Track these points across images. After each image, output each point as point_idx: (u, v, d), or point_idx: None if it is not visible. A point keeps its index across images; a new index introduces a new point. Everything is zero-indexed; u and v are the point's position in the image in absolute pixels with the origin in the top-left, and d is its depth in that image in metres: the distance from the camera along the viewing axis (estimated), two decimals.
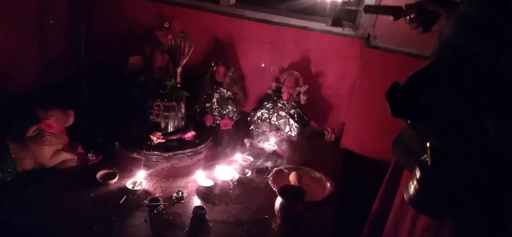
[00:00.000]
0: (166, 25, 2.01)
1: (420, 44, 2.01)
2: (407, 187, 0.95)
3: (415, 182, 0.91)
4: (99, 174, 1.74)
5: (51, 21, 2.49)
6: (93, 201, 1.62)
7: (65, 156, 1.80)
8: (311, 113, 2.47)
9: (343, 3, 1.83)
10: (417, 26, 1.33)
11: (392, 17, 1.40)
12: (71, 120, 1.83)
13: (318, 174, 1.98)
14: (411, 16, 1.32)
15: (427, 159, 0.88)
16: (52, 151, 1.76)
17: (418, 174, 0.90)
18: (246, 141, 2.21)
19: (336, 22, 1.83)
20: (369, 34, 2.27)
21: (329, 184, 1.90)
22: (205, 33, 2.56)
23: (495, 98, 0.81)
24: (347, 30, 2.38)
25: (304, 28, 2.44)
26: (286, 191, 1.64)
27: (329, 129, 2.43)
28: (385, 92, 0.90)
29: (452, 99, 0.82)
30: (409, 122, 0.89)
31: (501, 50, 0.81)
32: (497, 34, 0.83)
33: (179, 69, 2.12)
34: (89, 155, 1.88)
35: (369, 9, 1.66)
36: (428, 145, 0.88)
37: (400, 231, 1.17)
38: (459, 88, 0.82)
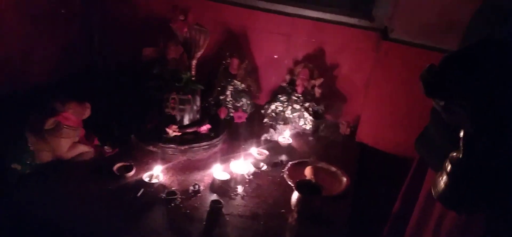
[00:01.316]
0: (182, 17, 2.00)
1: (438, 37, 1.98)
2: (435, 182, 0.92)
3: (445, 176, 0.88)
4: (116, 167, 1.75)
5: (62, 11, 2.49)
6: (111, 193, 1.63)
7: (82, 148, 1.81)
8: (326, 106, 2.44)
9: None
10: None
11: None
12: (87, 113, 1.83)
13: (333, 168, 1.96)
14: None
15: (459, 153, 0.86)
16: (70, 143, 1.77)
17: (448, 168, 0.88)
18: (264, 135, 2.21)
19: None
20: (386, 27, 2.24)
21: (345, 179, 1.88)
22: (219, 25, 2.54)
23: None
24: (363, 22, 2.35)
25: (319, 19, 2.42)
26: (303, 185, 1.63)
27: (344, 122, 2.41)
28: (420, 75, 0.87)
29: (490, 84, 0.79)
30: (443, 103, 0.86)
31: None
32: None
33: (194, 62, 2.11)
34: (105, 147, 1.89)
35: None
36: (461, 134, 0.85)
37: (424, 231, 1.15)
38: (498, 74, 0.79)
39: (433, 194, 0.90)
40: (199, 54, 2.11)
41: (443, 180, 0.88)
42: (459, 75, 0.80)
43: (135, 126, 2.05)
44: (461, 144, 0.83)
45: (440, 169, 0.93)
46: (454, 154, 0.86)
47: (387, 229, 1.41)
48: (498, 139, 0.81)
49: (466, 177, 0.85)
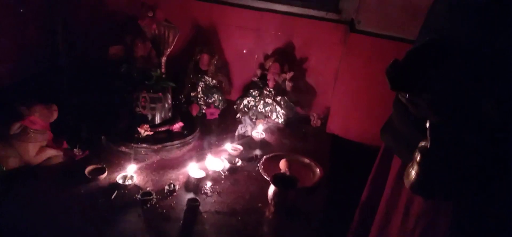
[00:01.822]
0: (150, 14, 1.96)
1: (404, 28, 2.04)
2: (407, 173, 0.96)
3: (415, 166, 0.92)
4: (87, 169, 1.71)
5: (21, 10, 2.38)
6: (84, 197, 1.59)
7: (50, 152, 1.76)
8: (297, 99, 2.47)
9: None
10: None
11: None
12: (55, 115, 1.78)
13: (307, 160, 2.00)
14: None
15: (427, 143, 0.90)
16: (37, 147, 1.71)
17: (418, 158, 0.91)
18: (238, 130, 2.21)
19: None
20: (352, 19, 2.28)
21: (318, 170, 1.92)
22: (188, 21, 2.52)
23: (494, 79, 0.83)
24: (330, 15, 2.39)
25: (288, 13, 2.44)
26: (279, 178, 1.65)
27: (315, 114, 2.45)
28: (385, 69, 0.90)
29: (451, 76, 0.84)
30: (407, 96, 0.90)
31: (496, 34, 0.83)
32: (493, 19, 0.85)
33: (164, 59, 2.08)
34: (75, 150, 1.84)
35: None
36: (427, 125, 0.89)
37: (393, 217, 1.18)
38: (457, 67, 0.84)
39: (406, 184, 0.94)
40: (168, 51, 2.08)
41: (414, 170, 0.91)
42: (420, 70, 0.85)
43: (105, 127, 2.00)
44: (428, 134, 0.87)
45: (408, 157, 0.97)
46: (423, 143, 0.90)
47: (357, 216, 1.45)
48: (462, 128, 0.86)
49: (435, 165, 0.89)
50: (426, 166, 0.89)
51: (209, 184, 1.76)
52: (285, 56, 2.44)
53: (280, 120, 2.38)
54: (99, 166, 1.74)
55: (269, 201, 1.65)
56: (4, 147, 1.62)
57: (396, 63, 0.88)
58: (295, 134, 2.33)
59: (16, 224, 1.43)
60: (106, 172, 1.71)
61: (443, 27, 0.96)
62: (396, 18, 2.09)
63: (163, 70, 2.09)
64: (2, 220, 1.43)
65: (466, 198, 0.93)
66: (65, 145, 1.84)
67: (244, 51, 2.55)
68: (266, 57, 2.48)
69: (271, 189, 1.64)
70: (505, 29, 0.82)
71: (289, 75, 2.39)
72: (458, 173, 0.89)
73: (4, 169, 1.61)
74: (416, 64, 0.87)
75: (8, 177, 1.61)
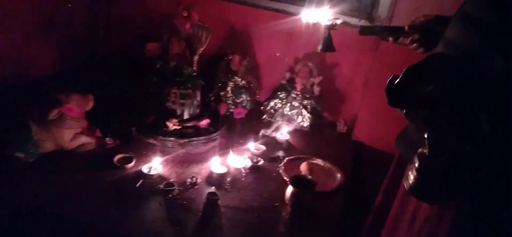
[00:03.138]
0: (185, 14, 2.05)
1: None
2: (407, 176, 0.98)
3: (414, 171, 0.94)
4: (116, 158, 1.80)
5: (69, 5, 2.54)
6: (110, 184, 1.68)
7: (84, 139, 1.87)
8: (324, 104, 2.48)
9: (329, 27, 1.73)
10: (418, 47, 1.34)
11: (390, 39, 1.40)
12: (90, 104, 1.89)
13: (328, 165, 2.01)
14: (414, 38, 1.33)
15: (425, 150, 0.91)
16: (72, 134, 1.82)
17: (416, 164, 0.93)
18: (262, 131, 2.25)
19: (327, 47, 1.74)
20: None
21: (339, 175, 1.93)
22: (221, 21, 2.58)
23: (492, 96, 0.83)
24: (363, 22, 2.38)
25: None
26: (297, 180, 1.68)
27: (341, 120, 2.45)
28: (385, 85, 0.92)
29: (446, 93, 0.85)
30: (404, 111, 0.92)
31: (501, 52, 0.83)
32: (500, 36, 0.85)
33: (196, 58, 2.16)
34: (107, 139, 1.94)
35: (365, 31, 1.59)
36: (425, 135, 0.91)
37: (401, 222, 1.20)
38: (454, 83, 0.85)
39: (405, 186, 0.96)
40: (201, 50, 2.16)
41: (412, 174, 0.94)
42: (417, 87, 0.86)
43: (136, 119, 2.10)
44: (426, 143, 0.89)
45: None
46: (422, 150, 0.91)
47: (369, 218, 1.46)
48: (458, 142, 0.86)
49: (432, 173, 0.90)
50: (423, 172, 0.91)
51: (229, 180, 1.81)
52: (315, 61, 2.46)
53: (306, 124, 2.39)
54: (127, 155, 1.83)
55: (286, 201, 1.68)
56: (41, 131, 1.74)
57: (394, 79, 0.90)
58: (319, 138, 2.34)
59: (46, 203, 1.53)
60: (134, 161, 1.80)
61: (456, 36, 0.97)
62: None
63: (195, 68, 2.17)
64: (32, 197, 1.54)
65: (464, 202, 0.94)
66: (98, 133, 1.95)
67: (278, 54, 2.58)
68: (296, 61, 2.51)
69: (289, 189, 1.66)
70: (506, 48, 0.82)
71: (317, 79, 2.40)
72: (455, 179, 0.89)
73: (40, 151, 1.73)
74: (413, 81, 0.89)
75: (43, 159, 1.73)
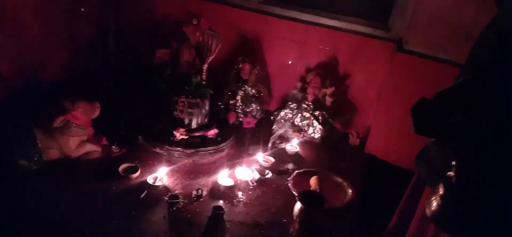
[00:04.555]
0: (195, 22, 2.01)
1: (453, 51, 1.93)
2: (429, 203, 0.92)
3: (438, 198, 0.88)
4: (121, 168, 1.76)
5: (82, 9, 2.53)
6: (114, 193, 1.65)
7: (89, 147, 1.84)
8: (337, 115, 2.41)
9: None
10: None
11: None
12: (97, 112, 1.86)
13: (339, 179, 1.94)
14: None
15: (452, 177, 0.85)
16: (78, 142, 1.80)
17: (441, 191, 0.87)
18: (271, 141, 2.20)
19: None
20: (401, 38, 2.20)
21: (350, 191, 1.85)
22: (232, 29, 2.54)
23: None
24: (378, 32, 2.32)
25: (334, 28, 2.39)
26: (306, 196, 1.61)
27: (354, 132, 2.37)
28: (411, 108, 0.86)
29: (478, 123, 0.78)
30: (433, 140, 0.86)
31: None
32: None
33: (205, 66, 2.12)
34: (113, 147, 1.91)
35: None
36: (453, 163, 0.85)
37: None
38: (485, 112, 0.78)
39: (427, 213, 0.90)
40: (210, 58, 2.12)
41: (436, 201, 0.87)
42: (448, 114, 0.79)
43: (143, 127, 2.06)
44: (453, 171, 0.82)
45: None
46: (448, 177, 0.85)
47: None
48: (488, 171, 0.79)
49: (458, 202, 0.83)
50: (448, 200, 0.84)
51: (236, 193, 1.76)
52: (328, 71, 2.39)
53: (317, 135, 2.33)
54: (133, 165, 1.79)
55: (295, 218, 1.61)
56: (46, 138, 1.72)
57: (423, 103, 0.84)
58: (330, 150, 2.27)
59: (49, 211, 1.50)
60: (139, 171, 1.77)
61: (487, 59, 0.90)
62: (446, 40, 1.99)
63: (204, 77, 2.13)
64: (36, 205, 1.51)
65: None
66: (104, 141, 1.92)
67: (289, 62, 2.53)
68: (308, 70, 2.44)
69: (298, 205, 1.60)
70: None
71: (330, 90, 2.34)
72: (481, 211, 0.82)
73: (45, 159, 1.71)
74: (445, 108, 0.82)
75: (47, 167, 1.71)
